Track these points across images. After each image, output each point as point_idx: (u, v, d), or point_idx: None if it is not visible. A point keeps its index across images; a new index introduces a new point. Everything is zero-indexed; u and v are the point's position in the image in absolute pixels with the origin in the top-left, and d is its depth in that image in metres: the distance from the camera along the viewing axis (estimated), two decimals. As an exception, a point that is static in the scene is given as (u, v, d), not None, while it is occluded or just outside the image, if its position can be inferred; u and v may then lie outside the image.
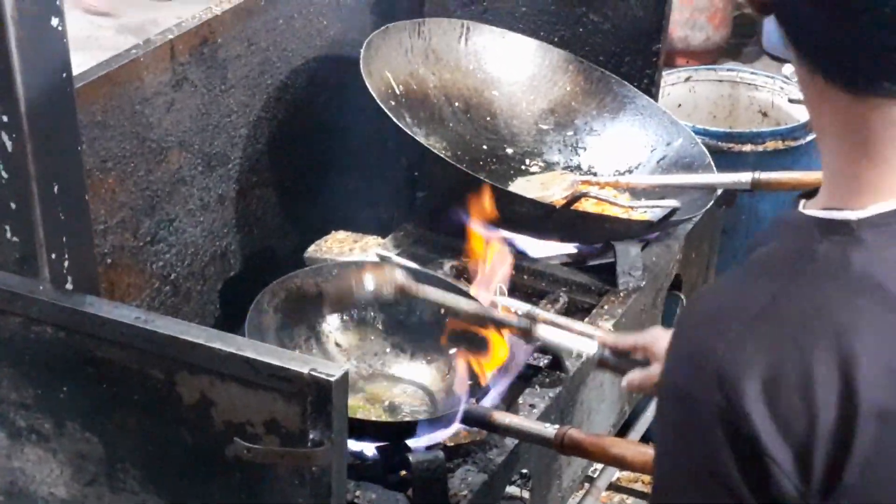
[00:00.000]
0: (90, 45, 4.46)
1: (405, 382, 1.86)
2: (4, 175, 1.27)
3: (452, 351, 1.85)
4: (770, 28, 5.10)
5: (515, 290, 2.07)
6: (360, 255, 2.09)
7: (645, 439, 2.16)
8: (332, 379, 1.17)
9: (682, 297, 2.31)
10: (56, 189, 1.30)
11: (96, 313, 1.27)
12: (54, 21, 1.25)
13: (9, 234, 1.31)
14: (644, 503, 2.95)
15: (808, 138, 2.85)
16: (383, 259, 2.06)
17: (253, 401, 1.22)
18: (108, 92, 1.85)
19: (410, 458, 1.56)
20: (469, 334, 1.83)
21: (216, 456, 1.27)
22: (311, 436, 1.20)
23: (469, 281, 2.03)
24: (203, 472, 1.30)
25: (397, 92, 2.24)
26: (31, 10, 1.21)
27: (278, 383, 1.20)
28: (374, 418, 1.73)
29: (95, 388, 1.31)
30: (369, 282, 1.97)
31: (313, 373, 1.18)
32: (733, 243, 2.78)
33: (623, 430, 2.22)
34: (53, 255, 1.32)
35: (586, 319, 1.98)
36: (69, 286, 1.35)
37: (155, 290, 2.06)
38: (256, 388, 1.21)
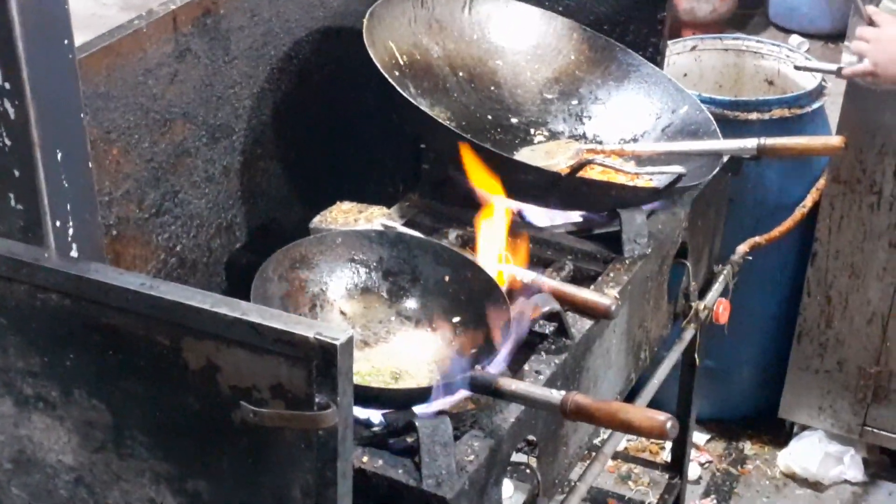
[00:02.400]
0: (94, 22, 4.48)
1: (410, 350, 1.86)
2: (7, 142, 1.28)
3: (457, 318, 1.86)
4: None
5: (522, 256, 2.07)
6: (365, 224, 2.09)
7: (651, 406, 2.16)
8: (337, 342, 1.18)
9: (689, 264, 2.32)
10: (59, 156, 1.31)
11: (102, 280, 1.27)
12: (56, -14, 1.26)
13: (13, 202, 1.32)
14: (652, 472, 2.96)
15: (815, 106, 2.85)
16: (388, 229, 2.07)
17: (258, 366, 1.23)
18: (111, 63, 1.85)
19: (417, 424, 1.57)
20: (474, 301, 1.84)
21: (223, 421, 1.28)
22: (316, 399, 1.21)
23: (474, 250, 2.04)
24: (210, 438, 1.31)
25: (401, 62, 2.24)
26: (32, -25, 1.22)
27: (283, 348, 1.20)
28: (379, 385, 1.73)
29: (102, 354, 1.32)
30: (374, 251, 1.98)
31: (318, 336, 1.18)
32: (740, 211, 2.78)
33: (629, 398, 2.23)
34: (58, 223, 1.33)
35: (592, 287, 1.98)
36: (74, 253, 1.36)
37: (160, 261, 2.07)
38: (262, 352, 1.22)
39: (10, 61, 1.24)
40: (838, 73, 2.34)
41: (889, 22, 2.11)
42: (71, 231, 1.34)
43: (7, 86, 1.25)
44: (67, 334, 1.32)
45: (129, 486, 1.39)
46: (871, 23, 2.13)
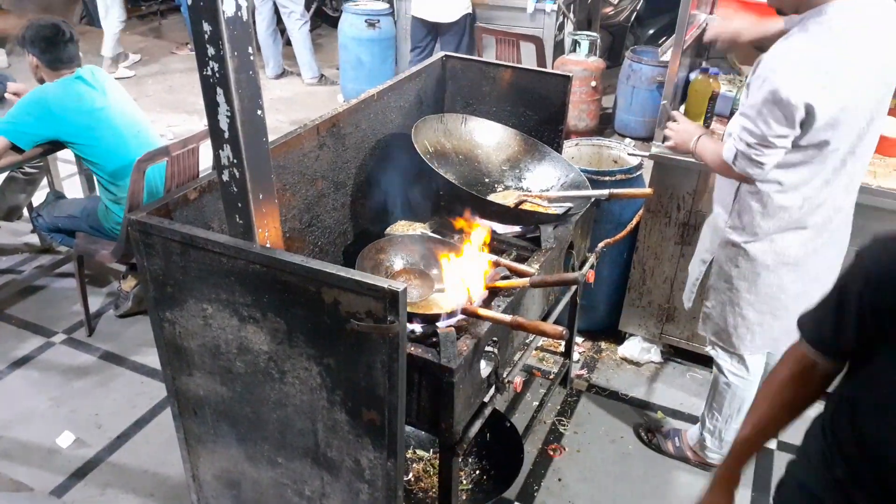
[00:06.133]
0: (276, 129, 4.48)
1: (434, 295, 1.86)
2: (236, 189, 1.28)
3: (458, 278, 1.85)
4: (618, 117, 5.08)
5: (490, 249, 2.07)
6: (412, 232, 2.10)
7: (555, 323, 2.15)
8: (399, 290, 1.18)
9: (574, 253, 2.31)
10: (260, 196, 1.31)
11: (281, 258, 1.28)
12: (259, 113, 1.26)
13: (238, 219, 1.32)
14: (554, 356, 2.96)
15: (637, 173, 2.83)
16: (424, 234, 2.07)
17: (360, 301, 1.23)
18: (285, 150, 1.86)
19: (438, 332, 1.57)
20: (465, 271, 1.83)
21: (342, 329, 1.28)
22: (389, 318, 1.22)
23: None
24: (335, 337, 1.31)
25: (430, 150, 2.24)
26: (248, 106, 1.22)
27: (373, 292, 1.21)
28: (419, 311, 1.73)
29: (281, 295, 1.32)
30: (416, 244, 1.98)
31: (389, 286, 1.19)
32: (599, 227, 2.78)
33: (544, 319, 2.22)
34: (260, 230, 1.33)
35: (525, 263, 1.98)
36: (268, 245, 1.36)
37: (309, 251, 2.07)
38: (361, 294, 1.22)
39: (236, 149, 1.24)
40: (650, 157, 2.34)
41: (683, 120, 2.12)
42: (266, 234, 1.35)
43: (235, 161, 1.25)
44: (264, 285, 1.33)
45: (295, 360, 1.39)
46: (674, 120, 2.13)
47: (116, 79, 3.39)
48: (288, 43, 6.31)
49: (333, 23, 6.86)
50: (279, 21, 6.07)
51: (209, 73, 1.18)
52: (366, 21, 5.21)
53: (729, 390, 2.20)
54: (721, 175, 1.93)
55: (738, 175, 1.83)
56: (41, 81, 2.75)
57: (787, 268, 1.93)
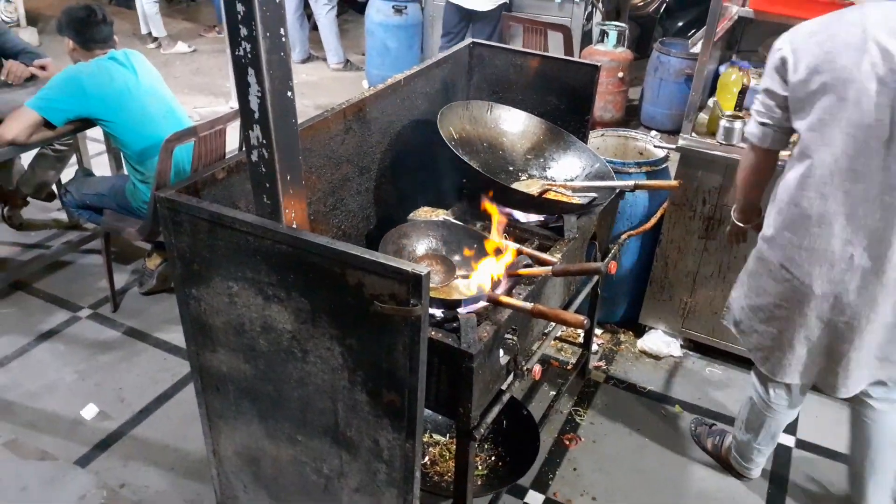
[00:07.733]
0: (304, 114, 4.49)
1: (456, 279, 1.87)
2: (264, 170, 1.30)
3: (481, 265, 1.86)
4: (645, 109, 5.02)
5: (513, 237, 2.07)
6: (434, 218, 2.10)
7: (575, 313, 2.15)
8: (422, 273, 1.19)
9: (596, 244, 2.30)
10: (288, 178, 1.32)
11: (307, 239, 1.29)
12: (289, 94, 1.27)
13: (265, 199, 1.33)
14: (573, 347, 2.95)
15: (663, 165, 2.81)
16: (447, 220, 2.07)
17: (384, 284, 1.24)
18: (312, 133, 1.87)
19: (459, 317, 1.58)
20: (489, 257, 1.83)
21: (365, 311, 1.29)
22: (412, 301, 1.22)
23: (490, 233, 2.03)
24: (358, 318, 1.32)
25: (455, 137, 2.24)
26: (278, 87, 1.23)
27: (396, 275, 1.21)
28: (441, 297, 1.74)
29: (306, 276, 1.33)
30: (439, 231, 1.98)
31: (413, 270, 1.19)
32: (623, 217, 2.76)
33: (565, 308, 2.22)
34: (287, 211, 1.34)
35: (548, 252, 1.97)
36: (294, 226, 1.37)
37: (333, 234, 2.08)
38: (385, 277, 1.23)
39: (266, 129, 1.26)
40: (677, 149, 2.32)
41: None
42: (293, 215, 1.36)
43: (265, 141, 1.27)
44: (290, 265, 1.34)
45: (318, 340, 1.41)
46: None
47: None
48: (314, 28, 6.32)
49: (360, 8, 6.85)
50: (306, 6, 6.09)
51: (241, 53, 1.19)
52: (393, 7, 5.20)
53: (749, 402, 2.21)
54: (751, 184, 1.97)
55: (755, 160, 1.88)
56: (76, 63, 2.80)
57: (770, 274, 1.86)
